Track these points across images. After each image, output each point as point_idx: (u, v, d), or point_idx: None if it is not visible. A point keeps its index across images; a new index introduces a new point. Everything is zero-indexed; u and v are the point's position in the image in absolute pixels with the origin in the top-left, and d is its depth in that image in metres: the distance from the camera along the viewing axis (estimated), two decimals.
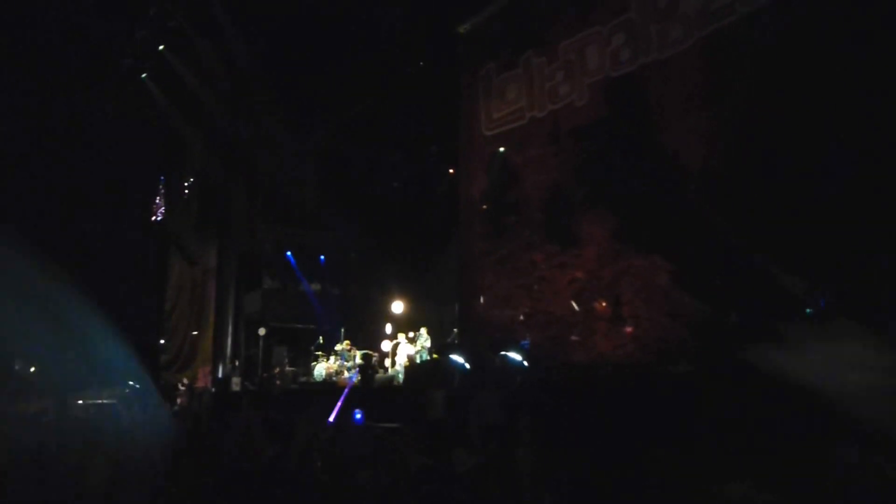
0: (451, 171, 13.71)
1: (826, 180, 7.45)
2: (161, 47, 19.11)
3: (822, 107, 7.45)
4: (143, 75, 20.22)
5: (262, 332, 17.18)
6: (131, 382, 20.90)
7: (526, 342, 9.80)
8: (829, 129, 7.40)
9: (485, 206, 11.99)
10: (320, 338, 15.66)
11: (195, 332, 20.44)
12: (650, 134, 9.43)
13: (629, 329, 9.19)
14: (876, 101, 7.10)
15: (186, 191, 22.00)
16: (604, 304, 9.57)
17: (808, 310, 7.34)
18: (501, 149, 11.67)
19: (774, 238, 7.71)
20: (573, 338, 9.90)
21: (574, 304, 9.94)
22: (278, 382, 15.16)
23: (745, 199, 8.15)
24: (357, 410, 8.42)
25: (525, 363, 8.87)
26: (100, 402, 14.85)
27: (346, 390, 9.93)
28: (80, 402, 16.03)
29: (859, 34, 7.24)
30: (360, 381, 12.04)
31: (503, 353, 8.97)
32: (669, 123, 9.25)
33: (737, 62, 8.45)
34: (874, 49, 7.12)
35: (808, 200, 7.51)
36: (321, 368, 14.50)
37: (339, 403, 9.08)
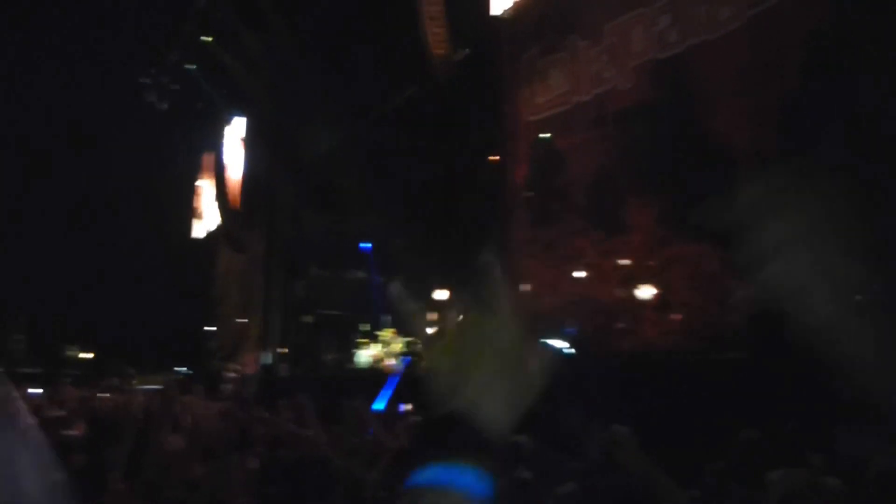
0: (494, 157, 13.62)
1: (882, 161, 7.24)
2: (208, 39, 19.39)
3: (877, 86, 7.24)
4: (191, 66, 20.55)
5: (308, 319, 17.37)
6: None
7: (571, 330, 9.71)
8: (886, 109, 7.19)
9: (529, 193, 11.90)
10: (366, 325, 15.75)
11: (243, 320, 20.78)
12: (698, 117, 9.24)
13: (678, 317, 9.04)
14: None
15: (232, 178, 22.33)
16: (652, 291, 9.43)
17: (860, 297, 7.13)
18: (545, 134, 11.56)
19: (829, 223, 7.51)
20: (619, 325, 9.79)
21: (620, 292, 9.82)
22: (324, 369, 15.33)
23: (799, 183, 7.95)
24: (401, 404, 8.42)
25: (569, 350, 8.81)
26: None
27: (396, 378, 9.88)
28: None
29: None
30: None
31: (544, 340, 8.91)
32: (719, 106, 9.03)
33: (789, 41, 8.23)
34: None
35: (863, 183, 7.30)
36: (365, 355, 14.61)
37: (389, 391, 9.05)
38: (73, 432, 4.35)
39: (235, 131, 22.24)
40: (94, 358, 31.92)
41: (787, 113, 8.11)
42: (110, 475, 2.73)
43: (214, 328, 23.42)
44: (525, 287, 11.75)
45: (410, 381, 10.14)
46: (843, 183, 7.45)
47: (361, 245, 18.04)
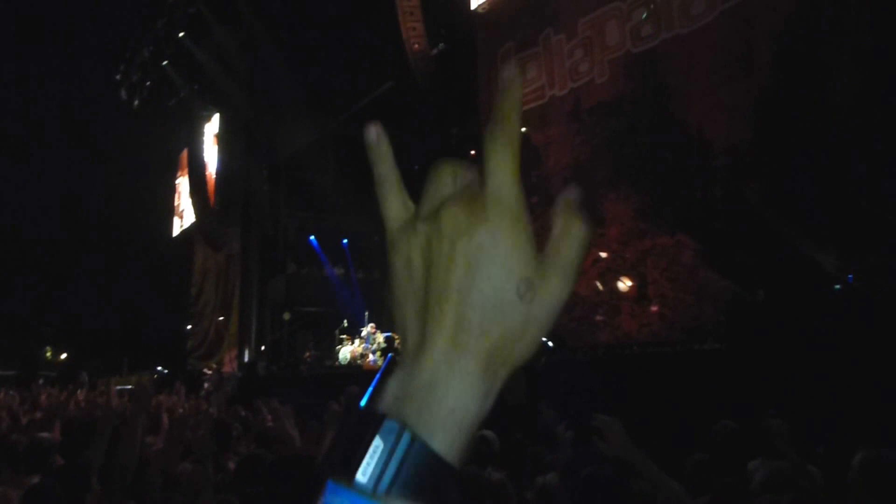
0: (472, 152, 13.61)
1: (856, 153, 7.34)
2: (181, 34, 19.22)
3: (850, 77, 7.33)
4: (164, 63, 20.36)
5: (286, 316, 17.30)
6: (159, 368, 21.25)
7: None
8: (858, 99, 7.28)
9: None
10: (344, 321, 15.71)
11: (221, 318, 20.66)
12: (673, 110, 9.31)
13: (655, 308, 9.12)
14: None
15: (209, 175, 22.17)
16: (628, 283, 9.49)
17: (836, 286, 7.23)
18: (522, 129, 11.55)
19: (802, 213, 7.61)
20: (598, 318, 9.85)
21: (598, 285, 9.87)
22: (304, 367, 15.26)
23: (773, 175, 8.05)
24: None
25: (549, 344, 8.84)
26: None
27: (379, 374, 9.85)
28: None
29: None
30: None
31: None
32: (693, 99, 9.12)
33: (761, 35, 8.32)
34: None
35: (836, 174, 7.40)
36: (346, 352, 14.56)
37: (371, 388, 9.01)
38: (48, 434, 4.29)
39: (211, 128, 22.09)
40: (68, 358, 31.70)
41: (760, 106, 8.20)
42: (89, 477, 2.70)
43: (192, 326, 23.28)
44: None
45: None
46: (813, 173, 7.60)
47: (340, 242, 18.03)
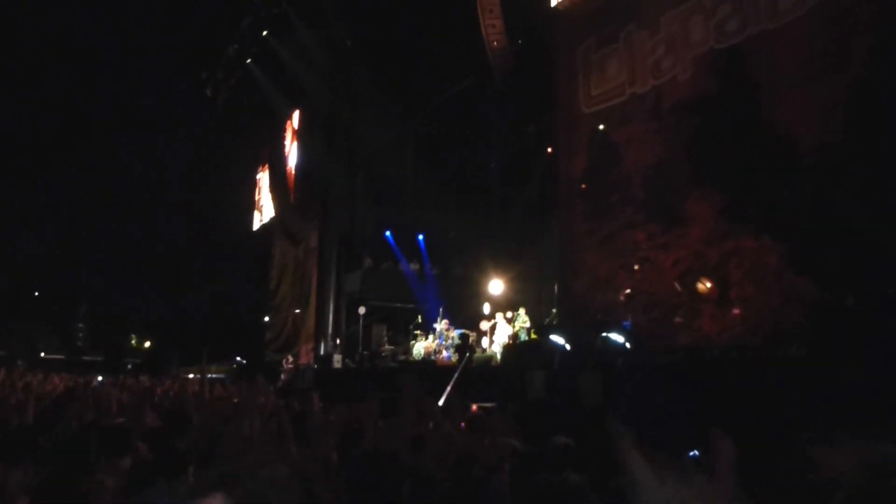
0: (549, 149, 13.53)
1: None
2: (265, 33, 19.67)
3: None
4: (248, 61, 20.87)
5: (362, 310, 17.52)
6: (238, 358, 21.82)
7: (628, 323, 9.60)
8: None
9: (585, 185, 11.79)
10: (419, 317, 15.82)
11: (298, 311, 21.07)
12: (759, 108, 9.03)
13: (737, 311, 8.87)
14: None
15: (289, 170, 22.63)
16: (710, 285, 9.27)
17: None
18: (602, 126, 11.44)
19: (894, 216, 7.30)
20: (677, 320, 9.65)
21: (678, 286, 9.67)
22: (378, 361, 15.44)
23: (864, 176, 7.74)
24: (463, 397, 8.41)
25: (627, 345, 8.71)
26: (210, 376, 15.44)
27: (459, 371, 9.86)
28: (191, 376, 16.80)
29: None
30: (458, 361, 12.09)
31: (605, 334, 8.82)
32: (780, 96, 8.82)
33: (854, 29, 8.00)
34: None
35: None
36: (420, 347, 14.66)
37: (450, 384, 9.04)
38: (142, 420, 4.46)
39: (292, 124, 22.54)
40: (152, 347, 32.83)
41: (854, 104, 7.88)
42: (186, 466, 2.80)
43: (270, 319, 23.81)
44: (581, 280, 11.68)
45: (469, 373, 10.17)
46: None
47: (418, 237, 18.16)
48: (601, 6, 11.64)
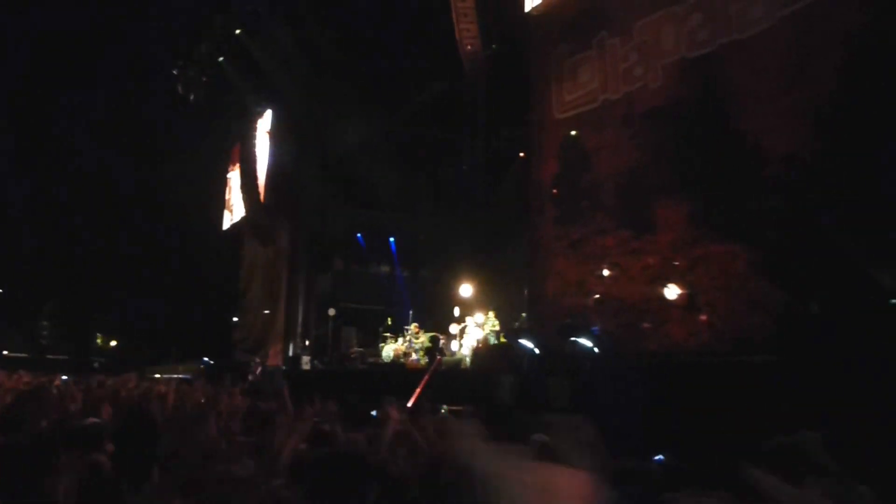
0: (521, 154, 13.60)
1: None
2: (238, 31, 19.52)
3: None
4: (220, 59, 20.68)
5: (331, 312, 17.47)
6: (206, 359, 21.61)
7: (596, 329, 9.67)
8: None
9: (556, 191, 11.85)
10: (389, 319, 15.81)
11: (267, 312, 20.93)
12: (729, 117, 9.14)
13: (704, 317, 8.97)
14: None
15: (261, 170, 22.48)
16: (678, 291, 9.36)
17: (893, 300, 7.05)
18: (574, 132, 11.51)
19: (860, 225, 7.42)
20: (646, 325, 9.73)
21: (647, 291, 9.76)
22: (347, 363, 15.40)
23: (830, 185, 7.86)
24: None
25: (595, 350, 8.77)
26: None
27: (429, 373, 9.83)
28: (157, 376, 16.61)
29: None
30: (427, 364, 12.10)
31: (573, 339, 8.88)
32: (750, 106, 8.93)
33: (823, 42, 8.12)
34: None
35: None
36: (389, 350, 14.65)
37: (420, 387, 9.02)
38: (101, 419, 4.38)
39: (264, 124, 22.38)
40: (118, 346, 32.41)
41: (822, 114, 8.00)
42: (150, 468, 2.75)
43: (239, 319, 23.63)
44: (551, 285, 11.73)
45: (439, 376, 10.16)
46: (876, 185, 7.40)
47: (389, 240, 18.16)
48: (574, 13, 11.71)
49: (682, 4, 9.98)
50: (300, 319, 19.08)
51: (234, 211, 24.81)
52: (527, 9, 12.48)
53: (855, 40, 7.75)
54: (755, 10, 8.93)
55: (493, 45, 13.36)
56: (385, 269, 18.87)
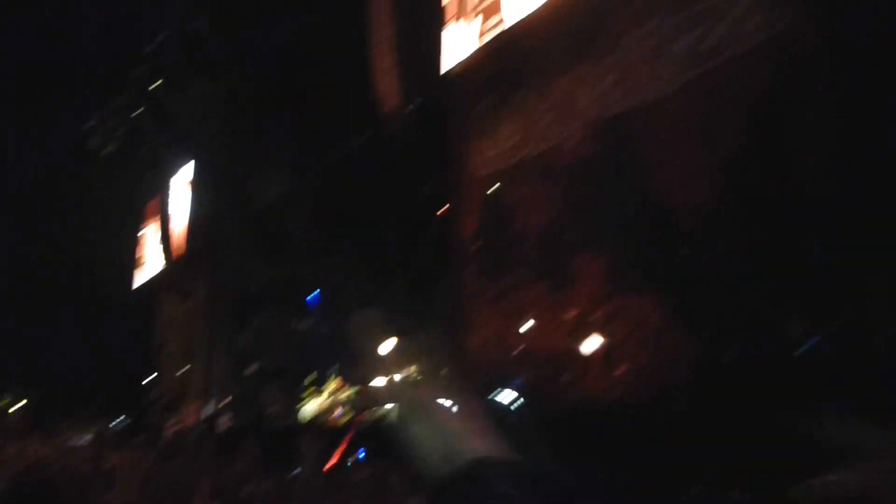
0: (443, 209, 13.73)
1: (821, 220, 7.50)
2: (157, 83, 19.30)
3: (818, 146, 7.53)
4: (139, 110, 20.38)
5: (251, 368, 17.08)
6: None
7: (518, 381, 9.72)
8: (823, 171, 7.47)
9: (476, 246, 11.99)
10: (311, 375, 15.54)
11: (184, 369, 20.31)
12: (643, 174, 9.45)
13: (622, 369, 9.13)
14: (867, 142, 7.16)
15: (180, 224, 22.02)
16: (596, 344, 9.52)
17: (802, 349, 7.32)
18: (493, 188, 11.71)
19: (770, 277, 7.72)
20: (565, 378, 9.84)
21: (565, 344, 9.89)
22: (268, 420, 15.03)
23: (738, 239, 8.18)
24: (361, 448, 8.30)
25: (517, 403, 8.79)
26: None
27: (352, 430, 9.68)
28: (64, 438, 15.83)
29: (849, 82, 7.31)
30: (351, 419, 11.93)
31: (495, 392, 8.89)
32: (662, 163, 9.25)
33: (728, 104, 8.53)
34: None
35: (802, 239, 7.55)
36: (311, 406, 14.38)
37: (343, 444, 8.87)
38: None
39: (183, 176, 22.02)
40: (27, 406, 30.80)
41: (730, 173, 8.36)
42: None
43: (155, 377, 22.83)
44: (474, 338, 11.77)
45: (364, 432, 10.02)
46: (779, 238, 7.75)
47: (310, 295, 17.90)
48: (494, 71, 11.99)
49: (597, 66, 10.35)
50: (219, 376, 18.56)
51: (149, 267, 24.16)
52: (446, 67, 12.73)
53: (759, 103, 8.18)
54: (665, 72, 9.33)
55: (414, 103, 13.54)
56: (307, 323, 18.55)
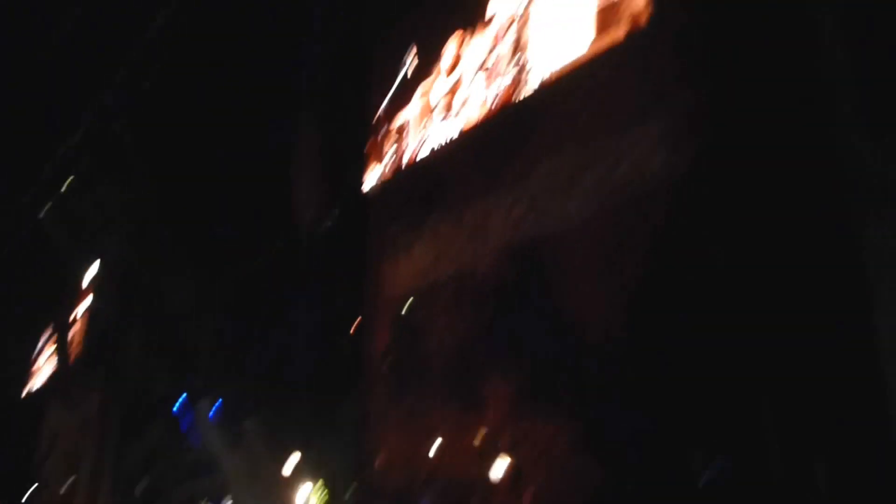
0: (355, 326, 13.68)
1: (719, 349, 7.80)
2: (66, 185, 18.95)
3: (712, 283, 7.93)
4: (43, 212, 19.87)
5: (141, 487, 16.21)
6: None
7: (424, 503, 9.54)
8: (720, 302, 7.84)
9: (387, 365, 11.93)
10: (210, 492, 14.82)
11: (68, 484, 19.05)
12: (551, 299, 9.69)
13: (528, 496, 9.07)
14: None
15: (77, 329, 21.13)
16: (503, 468, 9.46)
17: (703, 479, 7.45)
18: (406, 308, 11.78)
19: (672, 405, 7.91)
20: (472, 502, 9.69)
21: (472, 469, 9.79)
22: None
23: (643, 370, 8.40)
24: None
25: None
26: None
27: None
28: None
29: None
30: None
31: None
32: (570, 289, 9.51)
33: (631, 235, 8.93)
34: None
35: (702, 367, 7.81)
36: None
37: None
38: None
39: (87, 279, 21.30)
40: None
41: (632, 302, 8.67)
42: None
43: (36, 494, 21.27)
44: (381, 458, 11.53)
45: None
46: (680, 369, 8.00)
47: (211, 406, 17.26)
48: (410, 194, 12.29)
49: (509, 193, 10.72)
50: (106, 495, 17.48)
51: (39, 375, 22.90)
52: (366, 186, 12.99)
53: (660, 235, 8.61)
54: (572, 204, 9.73)
55: (332, 219, 13.68)
56: (208, 437, 17.78)
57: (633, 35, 9.13)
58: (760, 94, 7.83)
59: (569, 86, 9.99)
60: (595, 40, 9.63)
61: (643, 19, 8.99)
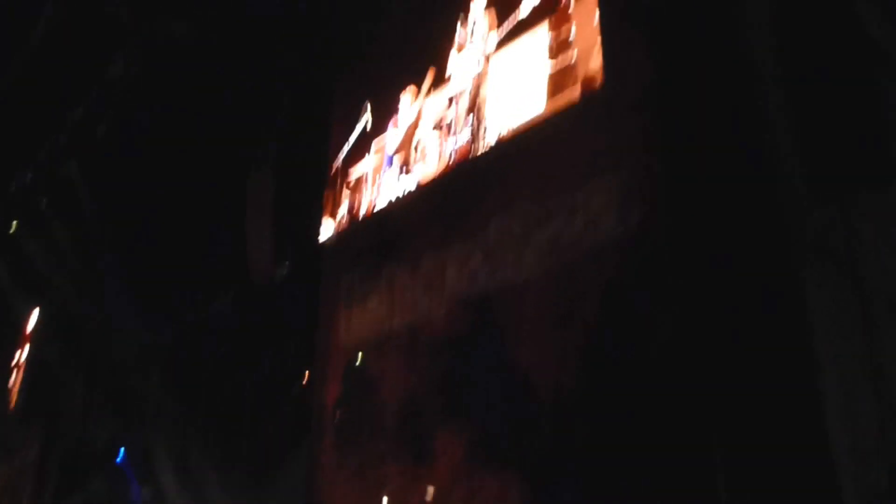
0: (306, 376, 13.52)
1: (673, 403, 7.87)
2: (13, 226, 18.54)
3: (664, 337, 8.03)
4: None
5: None
6: None
7: None
8: (672, 356, 7.94)
9: (337, 416, 11.77)
10: None
11: None
12: (505, 351, 9.71)
13: None
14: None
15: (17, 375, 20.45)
16: None
17: None
18: (358, 358, 11.68)
19: (624, 459, 7.93)
20: None
21: None
22: None
23: (595, 419, 8.43)
24: None
25: None
26: None
27: None
28: None
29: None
30: None
31: None
32: (524, 341, 9.55)
33: (585, 290, 9.03)
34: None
35: (650, 426, 7.86)
36: None
37: None
38: None
39: (26, 325, 20.68)
40: None
41: (585, 354, 8.73)
42: None
43: None
44: None
45: None
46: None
47: (155, 459, 16.79)
48: (365, 245, 12.30)
49: (465, 245, 10.79)
50: None
51: None
52: (322, 237, 12.95)
53: (614, 289, 8.72)
54: (527, 257, 9.83)
55: (284, 270, 13.60)
56: (150, 490, 17.22)
57: (588, 95, 9.38)
58: (712, 155, 8.08)
59: (525, 143, 10.16)
60: (551, 100, 9.85)
61: (597, 81, 9.24)
